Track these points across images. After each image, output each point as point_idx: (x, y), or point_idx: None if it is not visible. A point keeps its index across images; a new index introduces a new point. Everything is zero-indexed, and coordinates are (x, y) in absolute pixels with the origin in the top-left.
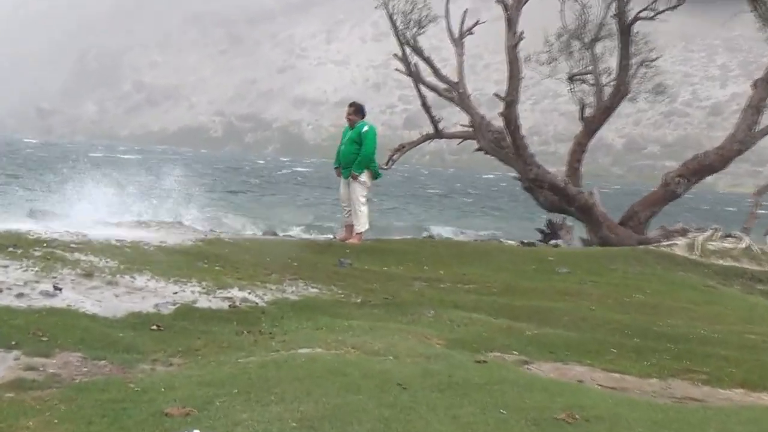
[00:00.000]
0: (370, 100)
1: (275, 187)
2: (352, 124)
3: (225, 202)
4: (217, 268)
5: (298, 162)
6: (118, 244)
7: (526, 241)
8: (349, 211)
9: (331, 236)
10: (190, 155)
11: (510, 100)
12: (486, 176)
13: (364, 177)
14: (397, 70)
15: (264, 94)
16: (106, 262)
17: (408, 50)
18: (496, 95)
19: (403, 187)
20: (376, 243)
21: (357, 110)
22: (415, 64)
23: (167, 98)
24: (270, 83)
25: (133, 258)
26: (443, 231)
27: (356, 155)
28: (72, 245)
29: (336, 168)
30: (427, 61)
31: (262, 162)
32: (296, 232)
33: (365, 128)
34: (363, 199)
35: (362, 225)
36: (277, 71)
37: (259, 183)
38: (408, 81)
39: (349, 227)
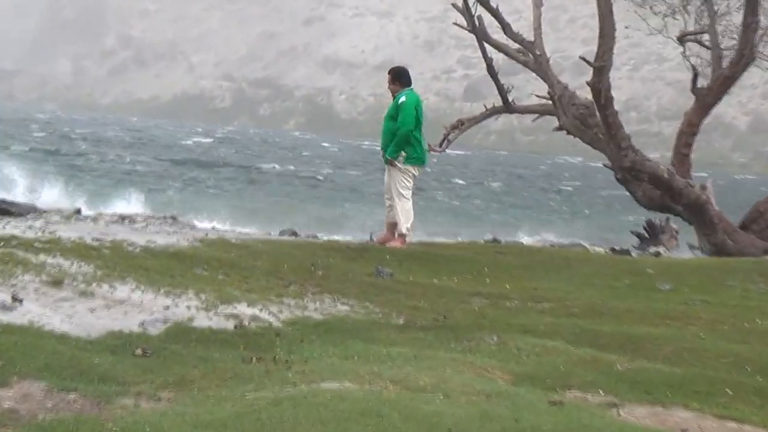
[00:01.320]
0: (421, 64)
1: (294, 173)
2: (393, 95)
3: (231, 192)
4: (220, 276)
5: (326, 141)
6: (95, 243)
7: (618, 248)
8: (392, 205)
9: (368, 238)
10: (185, 130)
11: (601, 66)
12: (567, 162)
13: (406, 162)
14: (456, 24)
15: (285, 53)
16: (80, 266)
17: None
18: (583, 59)
19: (462, 175)
20: (425, 248)
21: (395, 77)
22: (480, 18)
23: (161, 58)
24: (293, 39)
25: (114, 262)
26: (511, 233)
27: (394, 135)
28: (36, 244)
29: (382, 151)
30: (495, 13)
31: (278, 140)
32: (322, 232)
33: (402, 99)
34: (404, 191)
35: (405, 225)
36: (302, 24)
37: (277, 170)
38: (470, 39)
39: (391, 226)
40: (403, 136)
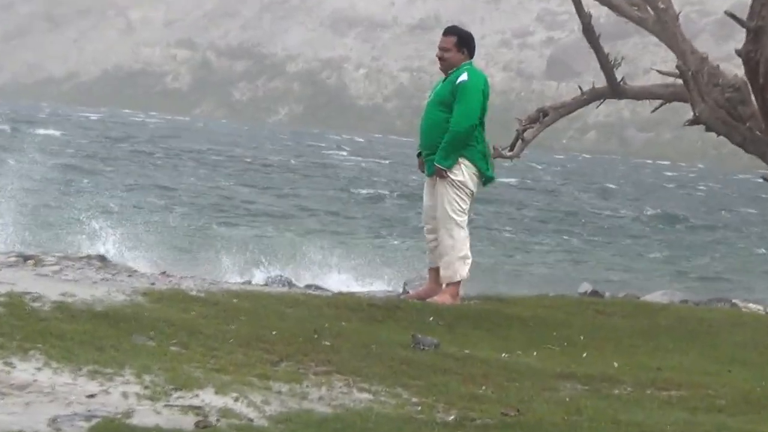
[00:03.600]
0: (481, 22)
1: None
2: (442, 70)
3: (191, 219)
4: (173, 348)
5: (341, 140)
6: None
7: None
8: (437, 239)
9: (401, 290)
10: (116, 120)
11: (758, 26)
12: (707, 173)
13: (462, 173)
14: None
15: (272, 6)
16: None
17: None
18: (731, 15)
19: (542, 197)
20: (488, 304)
21: (462, 42)
22: None
23: (83, 15)
24: None
25: (11, 327)
26: (621, 284)
27: (446, 132)
28: None
29: (419, 155)
30: None
31: (264, 135)
32: (333, 280)
33: (462, 77)
34: (459, 216)
35: (458, 268)
36: None
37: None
38: None
39: (436, 273)
40: (462, 135)
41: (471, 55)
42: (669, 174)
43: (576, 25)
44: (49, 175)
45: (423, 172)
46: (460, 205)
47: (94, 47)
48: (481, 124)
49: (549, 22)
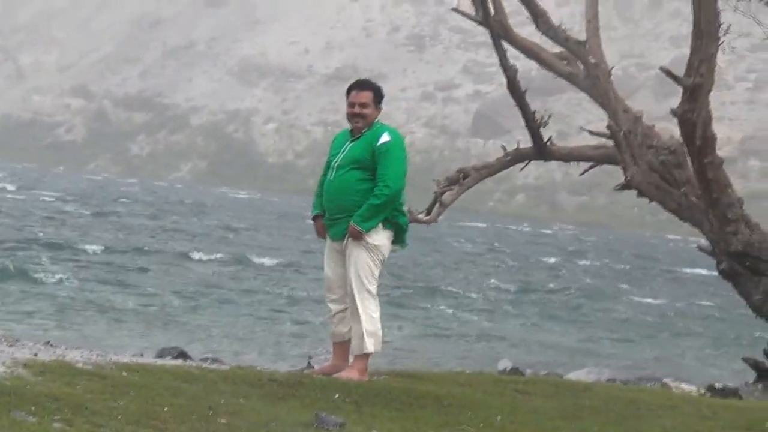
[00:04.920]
0: (402, 74)
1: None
2: (358, 128)
3: (78, 283)
4: (56, 425)
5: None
6: None
7: (720, 385)
8: (344, 310)
9: (306, 364)
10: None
11: (696, 84)
12: (645, 241)
13: (380, 237)
14: (457, 11)
15: (176, 52)
16: None
17: None
18: (666, 72)
19: (462, 265)
20: (399, 381)
21: (377, 97)
22: (498, 0)
23: None
24: (188, 30)
25: None
26: (542, 361)
27: (363, 193)
28: None
29: (315, 218)
30: None
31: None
32: (229, 353)
33: (384, 137)
34: (371, 284)
35: (370, 340)
36: (206, 4)
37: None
38: (482, 34)
39: (342, 348)
40: (393, 198)
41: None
42: (597, 244)
43: (503, 79)
44: None
45: (323, 237)
46: (372, 271)
47: None
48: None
49: (476, 74)
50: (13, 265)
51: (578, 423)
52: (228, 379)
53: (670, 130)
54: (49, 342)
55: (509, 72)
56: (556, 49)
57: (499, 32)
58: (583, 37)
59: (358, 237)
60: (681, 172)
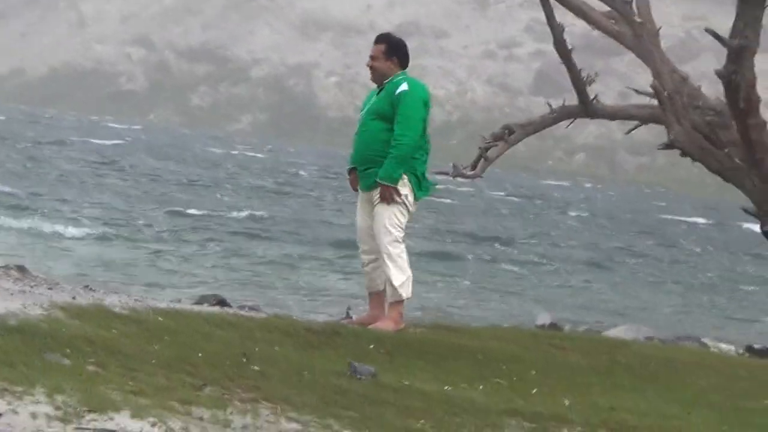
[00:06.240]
0: (464, 31)
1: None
2: (379, 80)
3: (122, 231)
4: (90, 368)
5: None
6: None
7: (758, 345)
8: (375, 260)
9: (344, 315)
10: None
11: (741, 46)
12: (690, 206)
13: (405, 187)
14: None
15: (237, 5)
16: None
17: None
18: (712, 33)
19: (501, 221)
20: (434, 333)
21: (392, 49)
22: None
23: (30, 5)
24: None
25: None
26: (582, 316)
27: (386, 143)
28: None
29: (350, 171)
30: None
31: (217, 151)
32: (269, 302)
33: (402, 87)
34: (398, 232)
35: (402, 287)
36: None
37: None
38: None
39: (377, 297)
40: (407, 151)
41: (403, 64)
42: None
43: (569, 37)
44: None
45: (356, 189)
46: (399, 220)
47: (41, 42)
48: (423, 136)
49: (538, 33)
50: None
51: (611, 379)
52: (263, 328)
53: (714, 92)
54: (87, 286)
55: (555, 31)
56: (605, 8)
57: None
58: None
59: (391, 197)
60: (726, 132)
